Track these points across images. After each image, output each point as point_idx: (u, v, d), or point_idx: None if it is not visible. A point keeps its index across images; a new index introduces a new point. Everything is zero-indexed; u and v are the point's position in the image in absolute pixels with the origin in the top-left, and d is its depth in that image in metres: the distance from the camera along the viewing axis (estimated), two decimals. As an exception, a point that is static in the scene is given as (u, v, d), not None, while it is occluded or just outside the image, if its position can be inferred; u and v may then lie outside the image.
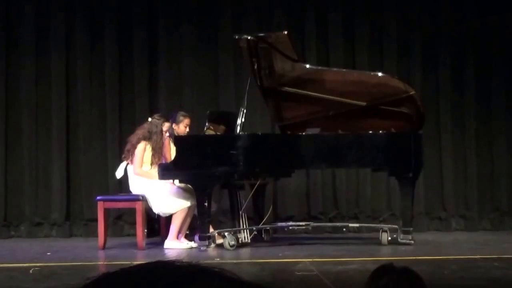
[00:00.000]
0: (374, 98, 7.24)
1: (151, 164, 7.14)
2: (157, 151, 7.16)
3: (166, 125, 7.27)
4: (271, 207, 7.93)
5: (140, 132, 7.25)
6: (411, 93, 7.16)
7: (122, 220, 8.51)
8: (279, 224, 7.90)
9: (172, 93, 8.76)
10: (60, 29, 8.69)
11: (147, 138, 7.17)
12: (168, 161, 7.14)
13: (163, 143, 7.22)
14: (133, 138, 7.27)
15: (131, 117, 8.58)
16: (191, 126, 7.49)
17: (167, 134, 7.28)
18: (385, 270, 2.01)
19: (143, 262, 0.74)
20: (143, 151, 7.15)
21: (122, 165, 7.35)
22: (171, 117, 7.45)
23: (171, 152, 7.31)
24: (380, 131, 7.03)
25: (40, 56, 8.70)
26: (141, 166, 7.15)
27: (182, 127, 7.42)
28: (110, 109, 8.69)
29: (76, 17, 8.73)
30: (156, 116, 7.37)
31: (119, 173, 7.38)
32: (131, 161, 7.22)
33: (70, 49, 8.72)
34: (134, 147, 7.19)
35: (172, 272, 0.70)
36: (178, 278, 0.69)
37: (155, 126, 7.21)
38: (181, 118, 7.45)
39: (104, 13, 8.75)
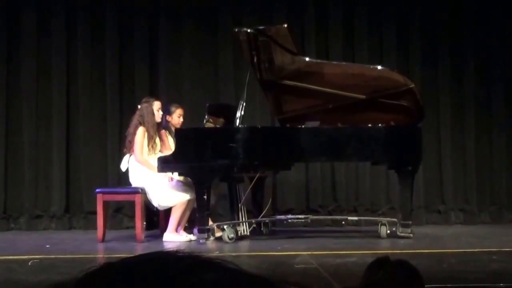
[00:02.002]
0: (374, 91, 7.23)
1: (147, 145, 7.14)
2: (150, 131, 7.16)
3: (156, 104, 7.34)
4: (270, 200, 7.93)
5: (134, 120, 7.28)
6: (410, 86, 7.15)
7: (122, 212, 8.51)
8: (278, 217, 7.90)
9: (172, 86, 8.75)
10: (60, 23, 8.67)
11: (142, 122, 7.20)
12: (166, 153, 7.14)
13: (156, 122, 7.24)
14: (130, 128, 7.29)
15: (131, 111, 8.50)
16: (184, 115, 7.56)
17: (160, 113, 7.30)
18: (381, 264, 2.00)
19: (144, 253, 0.74)
20: (142, 136, 7.15)
21: (126, 158, 7.35)
22: (164, 110, 7.48)
23: (170, 144, 7.32)
24: (380, 124, 7.03)
25: (41, 50, 8.69)
26: (142, 152, 7.14)
27: (176, 118, 7.49)
28: (110, 102, 8.69)
29: (77, 12, 8.71)
30: (144, 100, 7.42)
31: (123, 166, 7.38)
32: (132, 150, 7.21)
33: (70, 43, 8.71)
34: (134, 135, 7.20)
35: (174, 263, 0.70)
36: (180, 269, 0.69)
37: (145, 108, 7.26)
38: (173, 109, 7.54)
39: (105, 7, 8.73)
